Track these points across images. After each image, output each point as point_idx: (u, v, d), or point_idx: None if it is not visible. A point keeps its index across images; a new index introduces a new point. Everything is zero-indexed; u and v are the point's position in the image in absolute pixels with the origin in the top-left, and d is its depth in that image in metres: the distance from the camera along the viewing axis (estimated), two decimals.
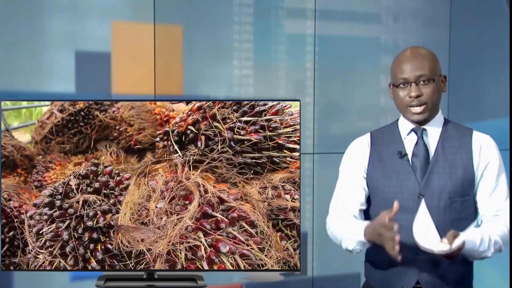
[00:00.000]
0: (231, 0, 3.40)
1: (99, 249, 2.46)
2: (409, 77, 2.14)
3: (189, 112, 2.56)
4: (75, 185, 2.51)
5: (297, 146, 2.54)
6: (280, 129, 2.53)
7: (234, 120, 2.50)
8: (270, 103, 2.55)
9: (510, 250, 2.24)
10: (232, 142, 2.50)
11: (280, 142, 2.52)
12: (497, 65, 3.76)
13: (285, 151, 2.53)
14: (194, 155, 2.51)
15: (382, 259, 2.11)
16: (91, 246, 2.46)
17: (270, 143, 2.51)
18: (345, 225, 2.17)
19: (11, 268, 2.51)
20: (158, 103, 2.69)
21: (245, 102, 2.54)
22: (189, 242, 2.37)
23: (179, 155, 2.53)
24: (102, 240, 2.46)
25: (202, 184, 2.45)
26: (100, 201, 2.49)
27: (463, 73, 3.71)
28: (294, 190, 2.51)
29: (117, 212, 2.47)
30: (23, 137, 2.63)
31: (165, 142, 2.57)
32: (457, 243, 1.95)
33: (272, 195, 2.49)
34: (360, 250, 2.15)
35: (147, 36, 3.25)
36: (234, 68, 3.42)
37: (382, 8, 3.65)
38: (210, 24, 3.36)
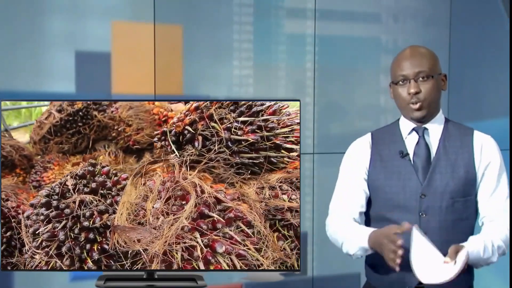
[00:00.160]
0: (231, 0, 3.40)
1: (96, 249, 2.46)
2: (408, 74, 2.14)
3: (187, 112, 2.56)
4: (72, 185, 2.51)
5: (294, 146, 2.53)
6: (278, 129, 2.52)
7: (231, 120, 2.50)
8: (267, 103, 2.55)
9: (510, 250, 2.23)
10: (229, 142, 2.49)
11: (278, 142, 2.52)
12: (497, 65, 3.75)
13: (282, 151, 2.53)
14: (191, 155, 2.51)
15: (382, 264, 2.08)
16: (88, 246, 2.46)
17: (267, 143, 2.50)
18: (347, 229, 2.16)
19: (9, 268, 2.51)
20: (156, 103, 2.68)
21: (242, 102, 2.54)
22: (185, 242, 2.37)
23: (176, 155, 2.53)
24: (99, 240, 2.45)
25: (198, 184, 2.44)
26: (96, 201, 2.49)
27: (463, 73, 3.69)
28: (291, 190, 2.50)
29: (114, 212, 2.47)
30: (23, 137, 2.63)
31: (163, 142, 2.57)
32: (461, 258, 1.93)
33: (269, 195, 2.48)
34: (361, 256, 2.15)
35: (147, 36, 3.25)
36: (234, 68, 3.42)
37: (382, 8, 3.64)
38: (210, 24, 3.36)
